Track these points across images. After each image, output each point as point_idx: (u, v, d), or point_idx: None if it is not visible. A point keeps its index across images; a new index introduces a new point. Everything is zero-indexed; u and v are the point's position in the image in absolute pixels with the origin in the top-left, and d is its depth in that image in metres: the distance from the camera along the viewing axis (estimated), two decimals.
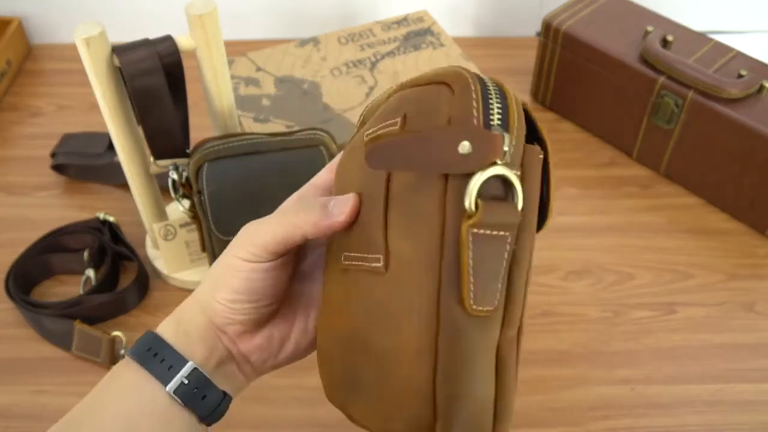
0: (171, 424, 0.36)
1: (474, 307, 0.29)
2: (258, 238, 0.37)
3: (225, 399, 0.39)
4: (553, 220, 0.76)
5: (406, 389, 0.31)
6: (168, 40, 0.57)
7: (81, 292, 0.69)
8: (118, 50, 0.55)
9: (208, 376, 0.38)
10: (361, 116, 0.38)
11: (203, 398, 0.37)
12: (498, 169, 0.28)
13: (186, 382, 0.37)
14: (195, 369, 0.37)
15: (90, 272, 0.70)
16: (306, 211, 0.36)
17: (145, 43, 0.56)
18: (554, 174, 0.32)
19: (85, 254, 0.70)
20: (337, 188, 0.38)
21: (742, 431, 0.59)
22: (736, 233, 0.75)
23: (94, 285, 0.68)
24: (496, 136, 0.28)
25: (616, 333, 0.66)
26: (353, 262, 0.35)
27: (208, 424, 0.39)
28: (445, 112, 0.30)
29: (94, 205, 0.78)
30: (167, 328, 0.39)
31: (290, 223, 0.36)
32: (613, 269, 0.72)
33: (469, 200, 0.28)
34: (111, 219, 0.73)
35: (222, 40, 0.59)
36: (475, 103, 0.29)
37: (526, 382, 0.62)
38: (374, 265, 0.32)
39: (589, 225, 0.76)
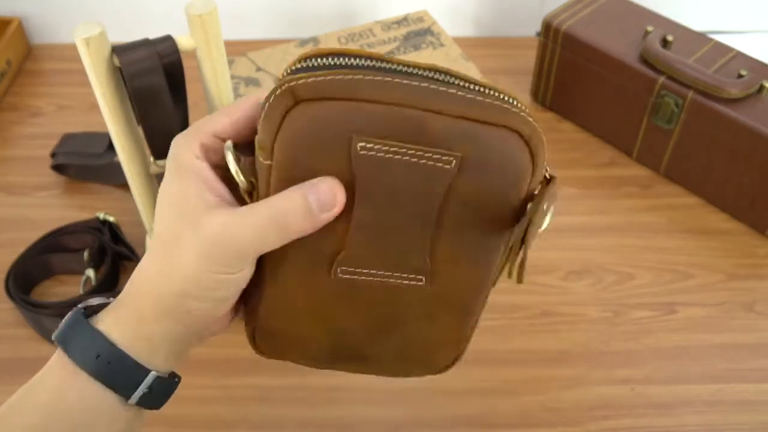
0: (126, 424, 0.35)
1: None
2: (240, 253, 0.32)
3: (177, 382, 0.37)
4: (553, 220, 0.76)
5: (447, 346, 0.37)
6: (168, 40, 0.57)
7: (81, 292, 0.69)
8: (118, 50, 0.55)
9: (167, 377, 0.36)
10: (300, 78, 0.29)
11: (162, 396, 0.36)
12: None
13: (148, 390, 0.34)
14: (158, 377, 0.35)
15: (90, 272, 0.70)
16: (289, 221, 0.31)
17: (145, 43, 0.56)
18: None
19: (85, 254, 0.70)
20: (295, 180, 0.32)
21: (742, 431, 0.59)
22: (736, 233, 0.75)
23: (94, 285, 0.68)
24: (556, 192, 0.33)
25: (616, 333, 0.66)
26: (366, 278, 0.34)
27: (158, 408, 0.37)
28: (524, 176, 0.31)
29: (94, 205, 0.78)
30: (122, 331, 0.34)
31: (274, 236, 0.31)
32: (613, 269, 0.72)
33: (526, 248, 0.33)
34: (111, 219, 0.73)
35: (222, 40, 0.59)
36: (546, 163, 0.34)
37: (526, 382, 0.62)
38: (411, 283, 0.34)
39: (589, 225, 0.76)
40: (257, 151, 0.31)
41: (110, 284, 0.69)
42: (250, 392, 0.62)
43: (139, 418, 0.36)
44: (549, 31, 0.83)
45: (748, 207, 0.75)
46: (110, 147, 0.78)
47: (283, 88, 0.29)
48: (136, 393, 0.34)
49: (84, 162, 0.78)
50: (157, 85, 0.56)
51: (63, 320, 0.35)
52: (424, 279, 0.34)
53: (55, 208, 0.78)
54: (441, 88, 0.29)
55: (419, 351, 0.38)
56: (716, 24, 1.02)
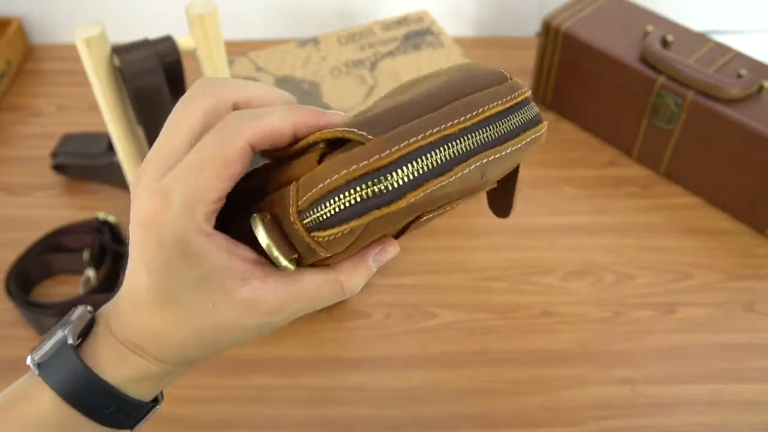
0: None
1: None
2: (281, 321, 0.31)
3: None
4: (553, 220, 0.76)
5: None
6: (168, 40, 0.57)
7: (81, 292, 0.69)
8: (118, 50, 0.56)
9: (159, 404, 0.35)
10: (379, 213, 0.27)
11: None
12: None
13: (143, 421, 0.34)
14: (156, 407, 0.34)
15: (90, 272, 0.70)
16: (348, 287, 0.31)
17: (145, 43, 0.56)
18: None
19: (85, 254, 0.70)
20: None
21: (742, 431, 0.59)
22: (736, 233, 0.75)
23: (94, 285, 0.68)
24: None
25: (616, 333, 0.66)
26: None
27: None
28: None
29: (94, 205, 0.78)
30: (137, 379, 0.32)
31: (324, 297, 0.31)
32: (613, 269, 0.72)
33: None
34: (111, 219, 0.73)
35: (222, 40, 0.59)
36: None
37: (526, 382, 0.62)
38: None
39: (589, 225, 0.76)
40: (311, 243, 0.28)
41: (110, 284, 0.69)
42: (250, 392, 0.62)
43: None
44: (549, 31, 0.83)
45: (748, 207, 0.74)
46: (110, 147, 0.78)
47: (380, 216, 0.27)
48: (136, 428, 0.34)
49: (84, 162, 0.78)
50: (157, 85, 0.56)
51: (47, 347, 0.32)
52: None
53: (55, 208, 0.78)
54: (505, 163, 0.30)
55: None
56: (716, 24, 1.02)
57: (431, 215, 0.30)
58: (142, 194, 0.29)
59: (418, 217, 0.30)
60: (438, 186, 0.27)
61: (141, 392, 0.33)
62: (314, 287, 0.30)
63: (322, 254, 0.29)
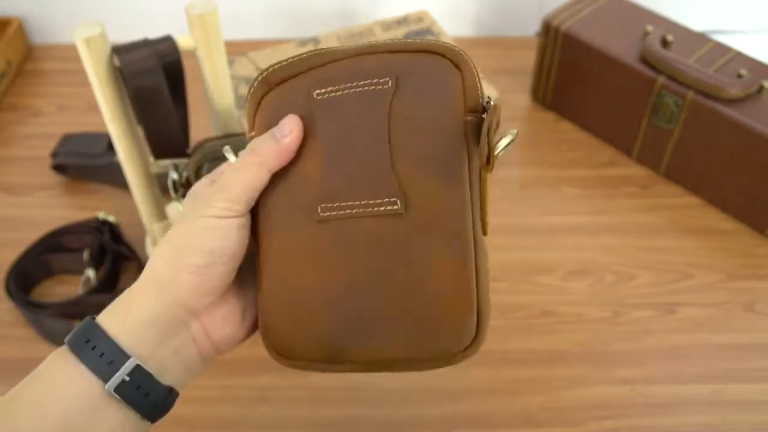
0: (109, 421, 0.34)
1: (487, 231, 0.37)
2: (230, 191, 0.37)
3: (171, 395, 0.37)
4: (553, 220, 0.76)
5: (450, 307, 0.35)
6: (168, 40, 0.57)
7: (81, 292, 0.69)
8: (118, 50, 0.55)
9: (151, 372, 0.35)
10: (270, 69, 0.39)
11: (146, 395, 0.35)
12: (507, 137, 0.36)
13: (127, 379, 0.34)
14: (137, 365, 0.35)
15: (90, 272, 0.70)
16: (260, 148, 0.37)
17: (145, 43, 0.56)
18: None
19: (85, 254, 0.70)
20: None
21: (742, 431, 0.59)
22: (736, 233, 0.75)
23: (94, 285, 0.68)
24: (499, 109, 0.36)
25: (616, 333, 0.66)
26: (343, 211, 0.36)
27: (152, 421, 0.36)
28: (454, 84, 0.36)
29: (94, 205, 0.78)
30: (112, 317, 0.36)
31: (253, 164, 0.37)
32: (613, 269, 0.72)
33: (493, 156, 0.36)
34: (111, 219, 0.73)
35: (222, 40, 0.59)
36: (478, 80, 0.37)
37: (526, 382, 0.62)
38: (388, 208, 0.36)
39: (589, 225, 0.76)
40: (247, 135, 0.40)
41: (110, 284, 0.69)
42: (250, 392, 0.62)
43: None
44: (549, 31, 0.83)
45: (748, 207, 0.75)
46: (110, 147, 0.78)
47: (259, 79, 0.39)
48: (113, 379, 0.35)
49: (84, 162, 0.78)
50: (157, 85, 0.56)
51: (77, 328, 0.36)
52: (398, 202, 0.36)
53: (55, 208, 0.78)
54: (371, 42, 0.38)
55: (425, 308, 0.35)
56: (716, 24, 1.02)
57: (322, 89, 0.38)
58: None
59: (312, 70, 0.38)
60: (303, 56, 0.39)
61: (134, 336, 0.36)
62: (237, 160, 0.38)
63: (247, 135, 0.40)
